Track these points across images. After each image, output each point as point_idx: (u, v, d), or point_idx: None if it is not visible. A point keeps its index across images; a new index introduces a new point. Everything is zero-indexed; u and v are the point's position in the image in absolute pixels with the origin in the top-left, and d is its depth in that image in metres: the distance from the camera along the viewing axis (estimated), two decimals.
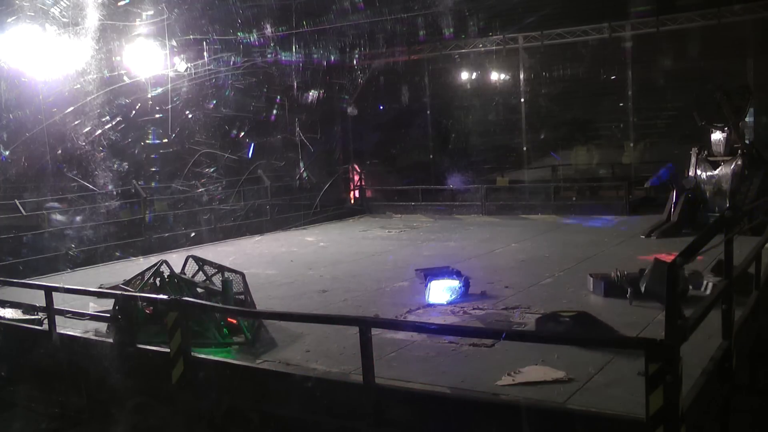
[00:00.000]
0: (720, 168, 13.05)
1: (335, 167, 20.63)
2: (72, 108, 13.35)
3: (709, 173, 13.15)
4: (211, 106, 16.73)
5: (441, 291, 8.51)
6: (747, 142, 13.38)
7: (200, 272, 8.00)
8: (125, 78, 14.52)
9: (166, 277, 7.52)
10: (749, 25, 16.33)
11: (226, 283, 7.45)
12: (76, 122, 13.68)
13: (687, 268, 8.36)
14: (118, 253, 13.39)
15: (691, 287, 7.77)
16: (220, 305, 7.15)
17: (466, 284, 8.70)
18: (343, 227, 17.30)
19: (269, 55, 17.50)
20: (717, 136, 13.27)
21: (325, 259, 12.34)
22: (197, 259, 8.09)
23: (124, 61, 14.66)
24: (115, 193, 14.72)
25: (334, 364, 6.31)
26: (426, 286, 8.68)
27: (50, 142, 13.54)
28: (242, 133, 17.45)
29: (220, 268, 7.88)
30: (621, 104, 18.44)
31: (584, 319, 6.70)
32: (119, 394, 6.93)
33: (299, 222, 17.39)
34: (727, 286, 5.98)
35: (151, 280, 7.52)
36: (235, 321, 7.20)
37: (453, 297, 8.44)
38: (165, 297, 6.76)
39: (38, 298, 8.08)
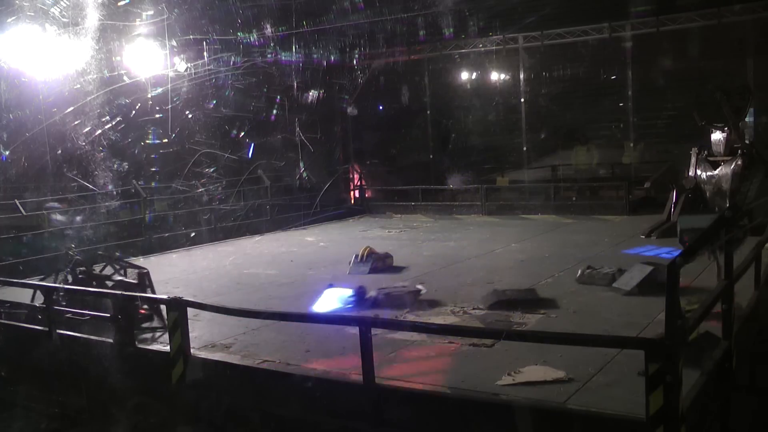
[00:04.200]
0: (720, 168, 13.04)
1: (335, 167, 20.62)
2: (72, 108, 13.32)
3: (709, 173, 13.14)
4: (211, 106, 16.70)
5: (334, 300, 8.52)
6: (747, 142, 13.37)
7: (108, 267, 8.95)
8: (125, 78, 14.50)
9: (78, 273, 8.43)
10: (749, 25, 16.30)
11: (142, 276, 8.21)
12: (76, 122, 13.66)
13: None
14: (118, 253, 13.34)
15: None
16: (219, 306, 7.17)
17: (359, 294, 8.56)
18: (343, 227, 17.29)
19: (269, 55, 17.47)
20: (717, 136, 13.26)
21: (325, 260, 12.34)
22: (106, 257, 9.29)
23: (124, 61, 14.64)
24: (115, 193, 14.70)
25: (334, 364, 6.32)
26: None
27: (50, 142, 13.51)
28: (242, 133, 17.42)
29: (124, 266, 9.07)
30: (621, 104, 18.42)
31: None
32: (119, 394, 6.94)
33: (299, 222, 17.39)
34: (727, 286, 5.97)
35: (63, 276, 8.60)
36: (144, 311, 7.80)
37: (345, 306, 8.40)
38: (165, 297, 6.83)
39: (38, 298, 8.10)
